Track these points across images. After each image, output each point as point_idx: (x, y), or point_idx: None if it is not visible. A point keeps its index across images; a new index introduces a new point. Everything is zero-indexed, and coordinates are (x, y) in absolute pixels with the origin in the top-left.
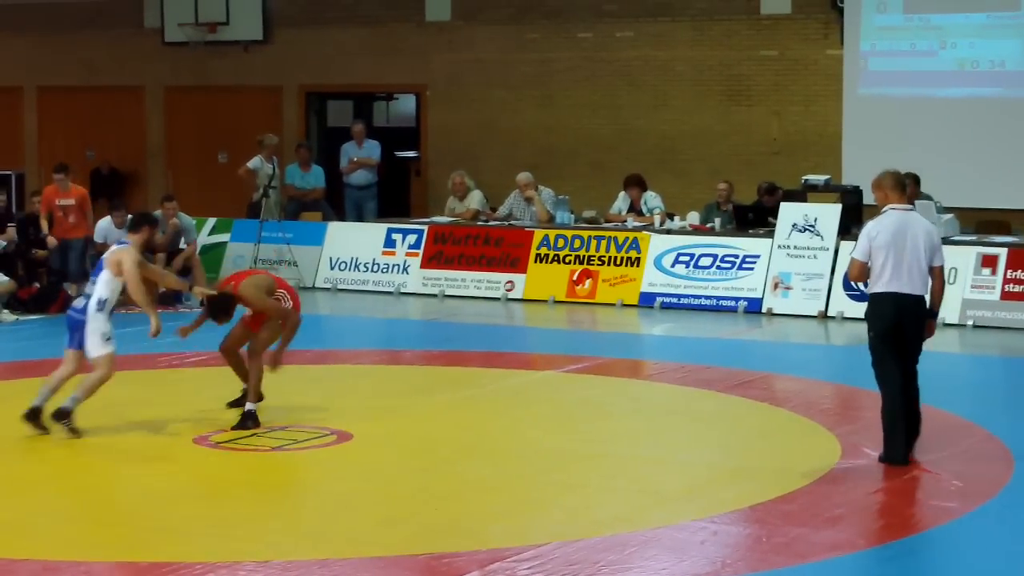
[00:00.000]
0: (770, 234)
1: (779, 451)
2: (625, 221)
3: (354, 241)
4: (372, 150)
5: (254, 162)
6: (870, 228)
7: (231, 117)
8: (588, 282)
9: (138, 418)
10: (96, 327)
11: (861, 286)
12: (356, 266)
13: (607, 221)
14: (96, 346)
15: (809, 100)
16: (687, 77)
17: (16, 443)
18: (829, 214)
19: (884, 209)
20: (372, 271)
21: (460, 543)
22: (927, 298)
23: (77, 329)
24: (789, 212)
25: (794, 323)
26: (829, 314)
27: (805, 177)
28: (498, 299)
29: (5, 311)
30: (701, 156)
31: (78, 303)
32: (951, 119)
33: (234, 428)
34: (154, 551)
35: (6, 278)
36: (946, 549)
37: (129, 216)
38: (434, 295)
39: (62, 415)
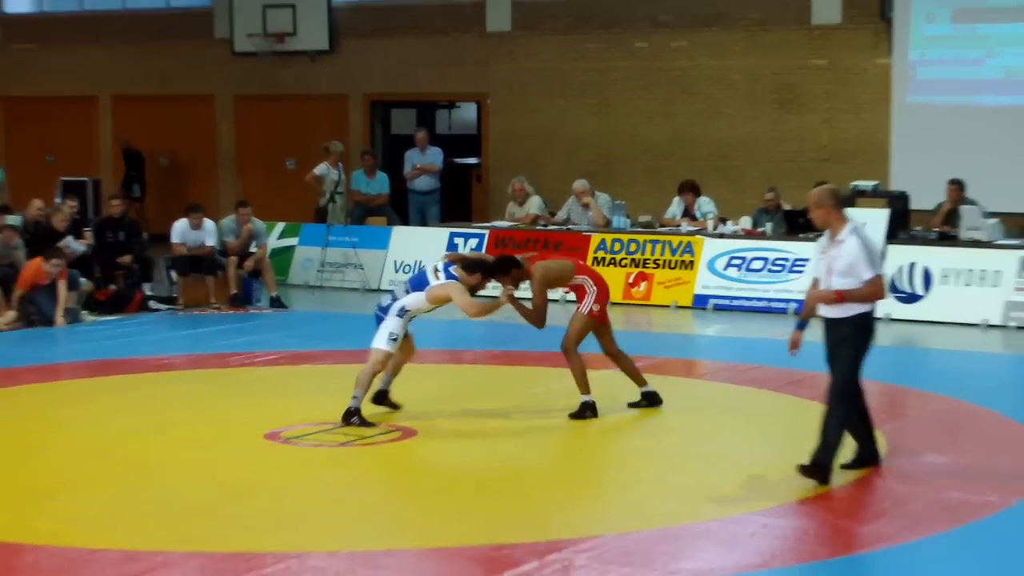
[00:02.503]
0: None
1: None
2: (679, 225)
3: (418, 245)
4: (435, 156)
5: (321, 168)
6: (873, 243)
7: (298, 125)
8: (643, 284)
9: (212, 414)
10: (389, 324)
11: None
12: (420, 269)
13: (662, 225)
14: (380, 340)
15: (858, 108)
16: (740, 86)
17: (92, 439)
18: (877, 219)
19: (847, 230)
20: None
21: (520, 535)
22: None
23: (378, 323)
24: None
25: None
26: (876, 316)
27: (854, 183)
28: (557, 301)
29: (84, 312)
30: (753, 163)
31: (384, 300)
32: (997, 126)
33: (572, 416)
34: (227, 542)
35: (84, 280)
36: (987, 542)
37: (474, 260)
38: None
39: (349, 415)
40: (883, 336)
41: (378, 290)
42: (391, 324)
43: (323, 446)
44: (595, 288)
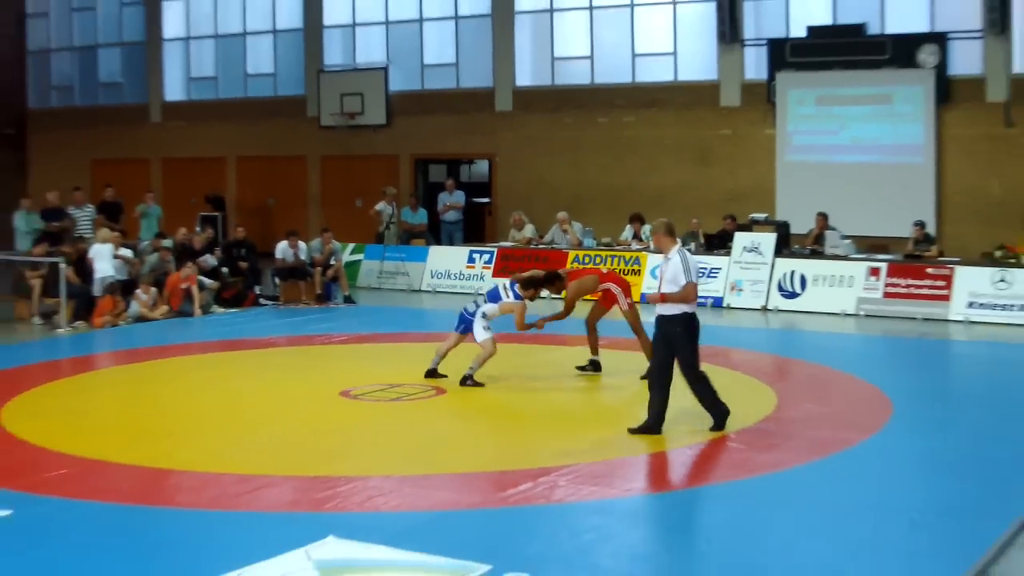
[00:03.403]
0: (728, 253)
1: (735, 400)
2: (630, 245)
3: (447, 259)
4: (459, 197)
5: (380, 206)
6: (689, 258)
7: (365, 176)
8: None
9: (301, 378)
10: (480, 323)
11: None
12: (449, 275)
13: (618, 245)
14: (480, 333)
15: (753, 163)
16: (671, 148)
17: (218, 395)
18: (768, 240)
19: (674, 250)
20: (459, 279)
21: (519, 463)
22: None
23: (464, 322)
24: (741, 239)
25: (745, 314)
26: (768, 307)
27: (752, 215)
28: (543, 298)
29: (215, 306)
30: (681, 201)
31: (469, 307)
32: (848, 176)
33: (645, 377)
34: (313, 468)
35: (210, 281)
36: (848, 466)
37: (526, 277)
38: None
39: (465, 379)
40: (773, 321)
41: (420, 290)
42: (481, 322)
43: (381, 401)
44: (620, 288)
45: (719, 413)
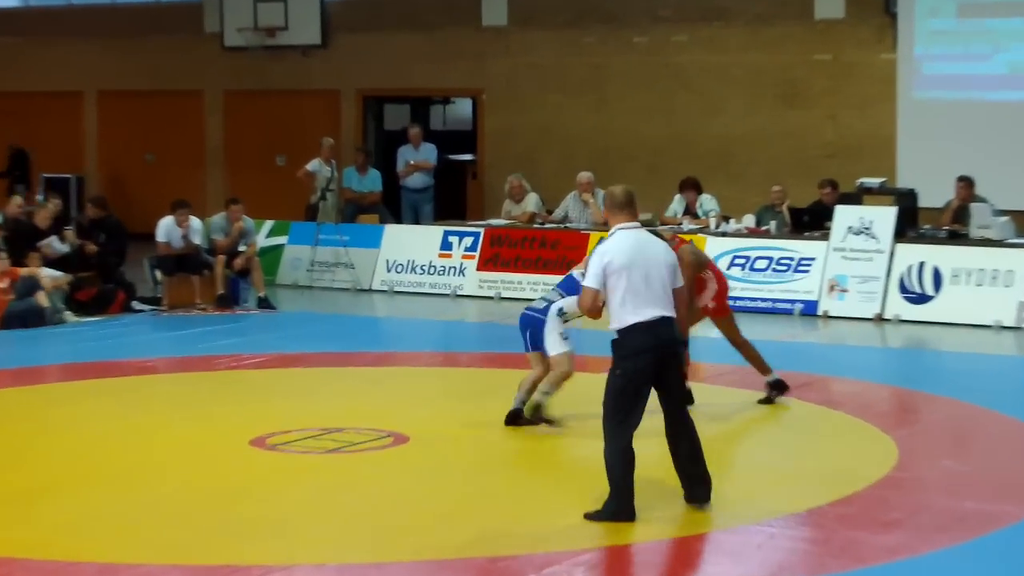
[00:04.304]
0: (826, 237)
1: (836, 454)
2: (680, 224)
3: (411, 244)
4: (429, 153)
5: (312, 165)
6: (602, 250)
7: (289, 121)
8: None
9: (196, 419)
10: (554, 327)
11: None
12: (413, 268)
13: (662, 224)
14: (555, 344)
15: (864, 103)
16: (741, 81)
17: (74, 444)
18: (885, 216)
19: (612, 230)
20: (428, 273)
21: (517, 546)
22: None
23: (530, 326)
24: (844, 215)
25: (850, 325)
26: (885, 316)
27: (860, 180)
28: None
29: (68, 312)
30: (756, 159)
31: (537, 304)
32: (1005, 122)
33: (762, 402)
34: (211, 553)
35: (59, 272)
36: (1004, 555)
37: None
38: (490, 297)
39: (534, 413)
40: (892, 336)
41: (370, 290)
42: (556, 326)
43: (310, 452)
44: (715, 276)
45: (618, 508)
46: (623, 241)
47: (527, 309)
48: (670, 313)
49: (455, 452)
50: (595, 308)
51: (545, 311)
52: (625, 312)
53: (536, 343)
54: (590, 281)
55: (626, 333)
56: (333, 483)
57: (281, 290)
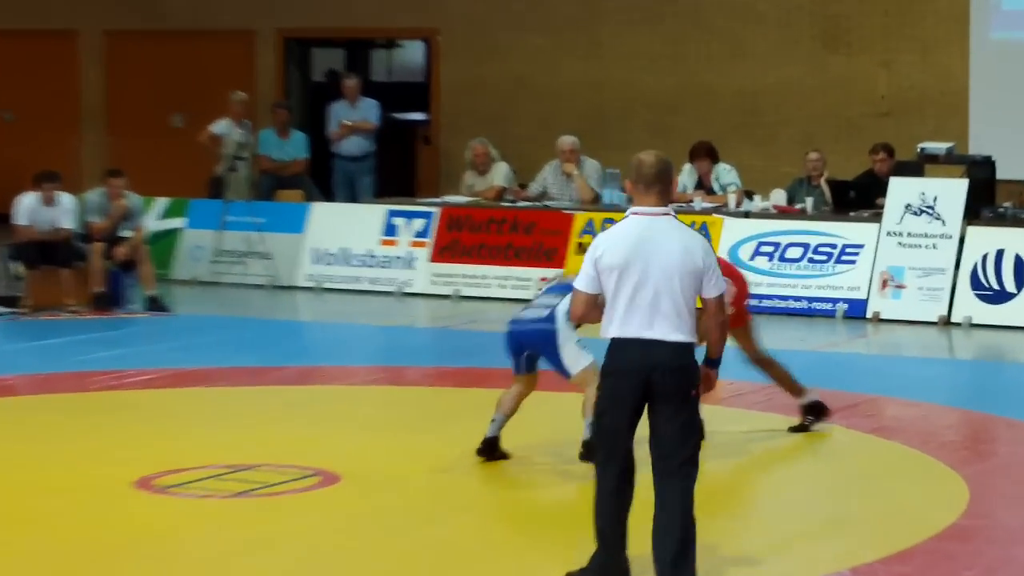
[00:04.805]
0: (878, 218)
1: (890, 496)
2: (691, 201)
3: (345, 227)
4: (369, 111)
5: (219, 126)
6: (596, 242)
7: (190, 70)
8: None
9: (64, 454)
10: (569, 335)
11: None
12: (347, 259)
13: (671, 202)
14: (576, 358)
15: (927, 48)
16: (771, 20)
17: None
18: (953, 192)
19: (626, 213)
20: (367, 266)
21: None
22: (694, 344)
23: (533, 342)
24: (901, 189)
25: (908, 331)
26: (953, 320)
27: (922, 145)
28: (529, 300)
29: None
30: (788, 119)
31: (528, 314)
32: None
33: (795, 430)
34: None
35: None
36: None
37: None
38: (447, 296)
39: (585, 448)
40: (961, 344)
41: (291, 287)
42: (570, 333)
43: (212, 496)
44: (731, 282)
45: (605, 562)
46: (626, 231)
47: (518, 321)
48: (673, 336)
49: (399, 495)
50: (588, 315)
51: (551, 318)
52: (609, 322)
53: (536, 361)
54: (580, 283)
55: (608, 348)
56: (241, 537)
57: (177, 287)
